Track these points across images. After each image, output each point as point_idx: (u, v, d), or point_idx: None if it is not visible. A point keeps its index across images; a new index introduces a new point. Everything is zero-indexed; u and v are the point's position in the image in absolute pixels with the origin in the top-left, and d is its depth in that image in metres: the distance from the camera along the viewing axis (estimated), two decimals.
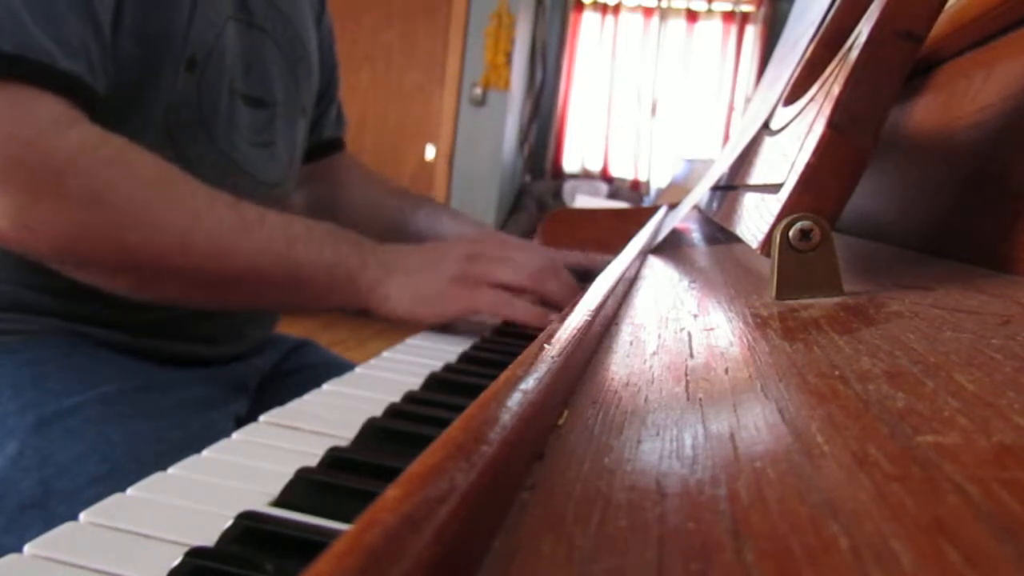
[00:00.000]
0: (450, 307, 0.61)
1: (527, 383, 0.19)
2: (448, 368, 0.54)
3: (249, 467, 0.35)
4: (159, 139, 0.65)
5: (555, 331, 0.25)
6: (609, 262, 0.50)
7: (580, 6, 4.02)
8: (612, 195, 3.85)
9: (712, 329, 0.27)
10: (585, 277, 0.87)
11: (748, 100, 3.73)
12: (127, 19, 0.61)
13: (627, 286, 0.42)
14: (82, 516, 0.29)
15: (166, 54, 0.64)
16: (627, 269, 0.44)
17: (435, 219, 0.95)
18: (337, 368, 0.64)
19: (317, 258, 0.60)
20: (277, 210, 0.75)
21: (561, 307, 0.57)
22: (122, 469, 0.53)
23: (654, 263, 0.53)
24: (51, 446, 0.54)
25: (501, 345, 0.62)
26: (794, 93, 0.43)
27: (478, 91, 3.76)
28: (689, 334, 0.27)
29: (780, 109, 0.45)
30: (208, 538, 0.28)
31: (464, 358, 0.57)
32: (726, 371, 0.21)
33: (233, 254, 0.58)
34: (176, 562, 0.26)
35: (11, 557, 0.26)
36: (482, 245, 0.65)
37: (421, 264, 0.62)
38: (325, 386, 0.48)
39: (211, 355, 0.75)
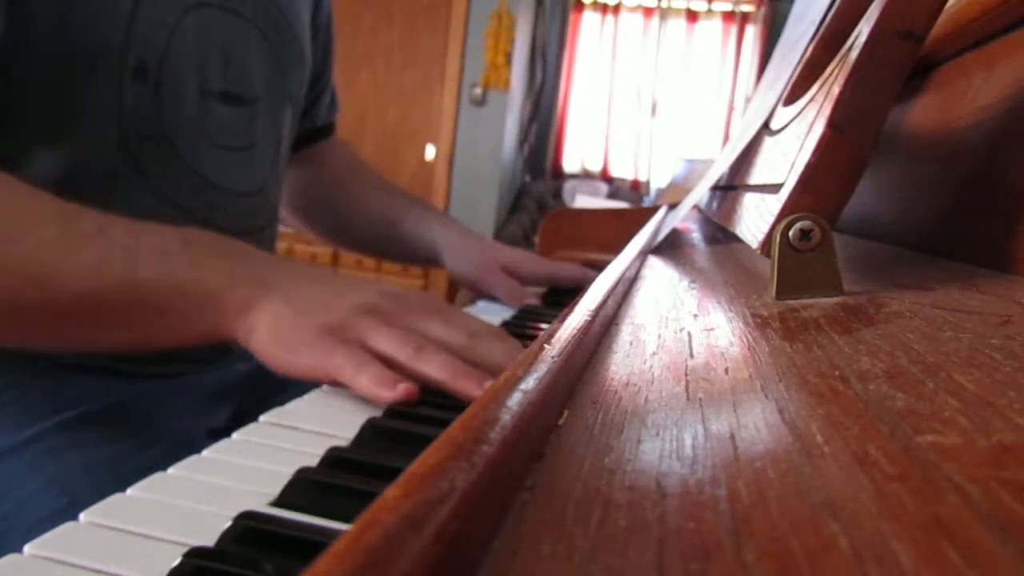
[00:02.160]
0: (300, 361, 0.45)
1: (527, 383, 0.19)
2: None
3: (249, 467, 0.35)
4: (117, 159, 0.59)
5: (555, 331, 0.25)
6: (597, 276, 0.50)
7: (580, 6, 4.02)
8: (612, 195, 3.85)
9: (712, 329, 0.27)
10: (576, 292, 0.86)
11: (748, 100, 3.74)
12: (41, 37, 0.55)
13: (627, 286, 0.42)
14: (82, 516, 0.29)
15: (101, 66, 0.57)
16: (627, 269, 0.44)
17: (425, 223, 0.90)
18: None
19: (168, 276, 0.47)
20: (252, 218, 0.70)
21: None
22: (82, 502, 0.45)
23: (654, 263, 0.53)
24: (9, 481, 0.52)
25: None
26: (794, 93, 0.43)
27: (478, 91, 3.76)
28: (689, 334, 0.27)
29: (780, 109, 0.45)
30: (208, 538, 0.28)
31: None
32: (726, 371, 0.21)
33: (57, 277, 0.46)
34: (176, 562, 0.26)
35: (11, 557, 0.26)
36: (390, 301, 0.48)
37: (306, 299, 0.47)
38: (325, 386, 0.48)
39: (192, 372, 0.69)
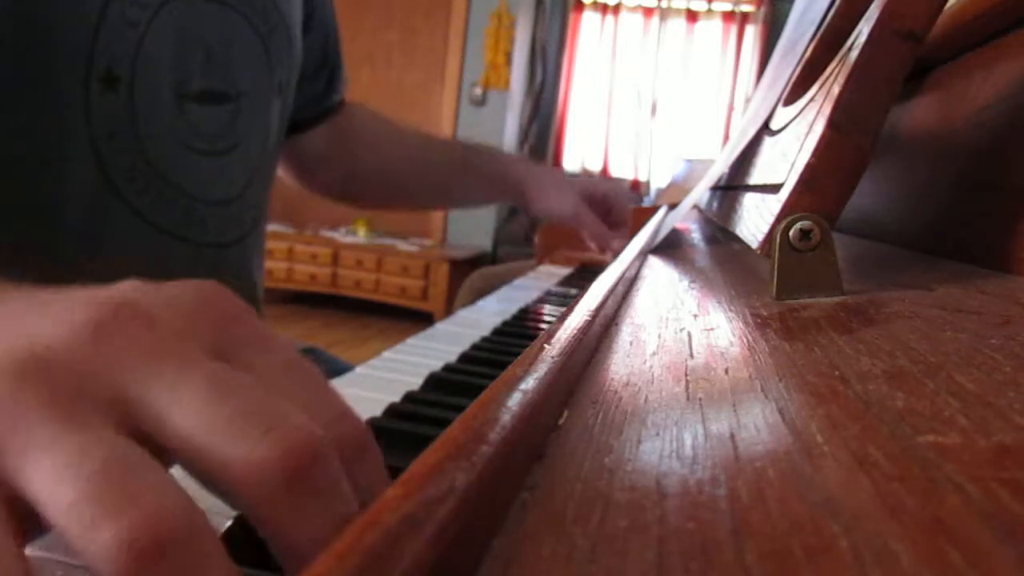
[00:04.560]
0: None
1: (527, 383, 0.19)
2: (448, 368, 0.54)
3: None
4: (90, 178, 0.55)
5: (555, 331, 0.25)
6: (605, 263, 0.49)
7: (580, 6, 4.02)
8: None
9: (712, 329, 0.27)
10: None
11: (748, 100, 3.74)
12: None
13: (627, 286, 0.42)
14: None
15: (65, 77, 0.52)
16: (627, 269, 0.44)
17: (501, 164, 0.88)
18: (341, 374, 0.61)
19: None
20: (233, 227, 0.66)
21: None
22: None
23: (654, 263, 0.53)
24: None
25: (501, 345, 0.62)
26: (794, 93, 0.43)
27: (478, 91, 3.76)
28: (689, 334, 0.27)
29: (780, 109, 0.45)
30: None
31: (464, 358, 0.57)
32: (726, 371, 0.21)
33: None
34: None
35: None
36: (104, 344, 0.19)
37: None
38: (335, 382, 0.48)
39: None
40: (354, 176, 0.93)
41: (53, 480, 0.17)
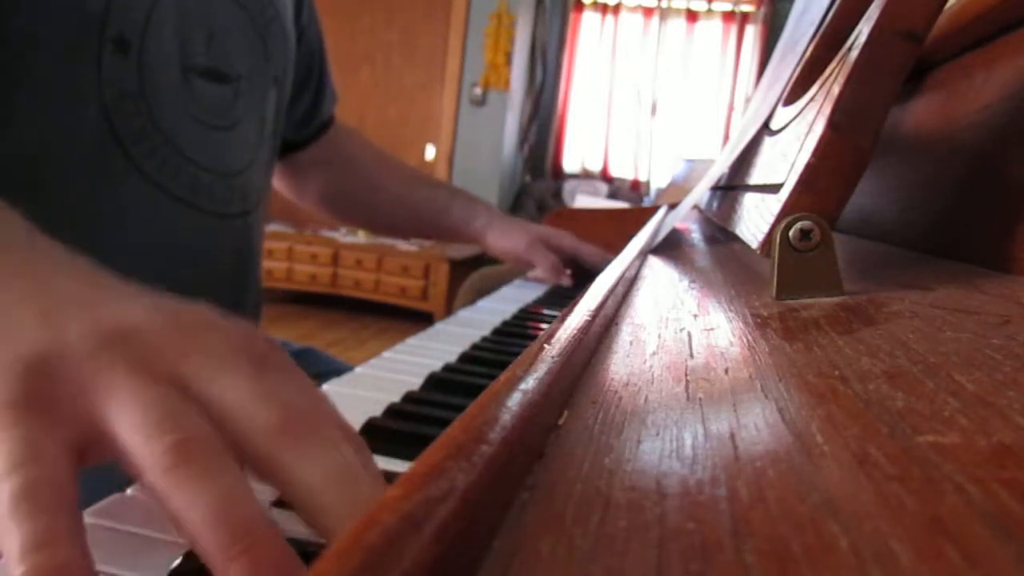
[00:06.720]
0: None
1: (527, 383, 0.19)
2: (448, 368, 0.54)
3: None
4: (99, 138, 0.57)
5: (555, 331, 0.25)
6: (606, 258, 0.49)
7: (580, 6, 4.02)
8: (612, 195, 3.86)
9: (712, 329, 0.27)
10: (585, 275, 0.88)
11: (748, 100, 3.74)
12: (21, 5, 0.52)
13: (627, 286, 0.42)
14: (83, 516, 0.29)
15: (81, 37, 0.55)
16: (627, 269, 0.44)
17: (471, 211, 0.99)
18: (340, 374, 0.61)
19: None
20: (238, 200, 0.68)
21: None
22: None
23: (654, 263, 0.53)
24: None
25: (501, 345, 0.62)
26: (794, 93, 0.43)
27: (478, 91, 3.76)
28: (689, 334, 0.27)
29: (780, 109, 0.45)
30: None
31: (464, 358, 0.57)
32: (726, 371, 0.21)
33: None
34: (176, 562, 0.26)
35: None
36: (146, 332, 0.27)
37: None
38: (325, 386, 0.48)
39: None
40: (341, 193, 0.98)
41: (140, 418, 0.24)
